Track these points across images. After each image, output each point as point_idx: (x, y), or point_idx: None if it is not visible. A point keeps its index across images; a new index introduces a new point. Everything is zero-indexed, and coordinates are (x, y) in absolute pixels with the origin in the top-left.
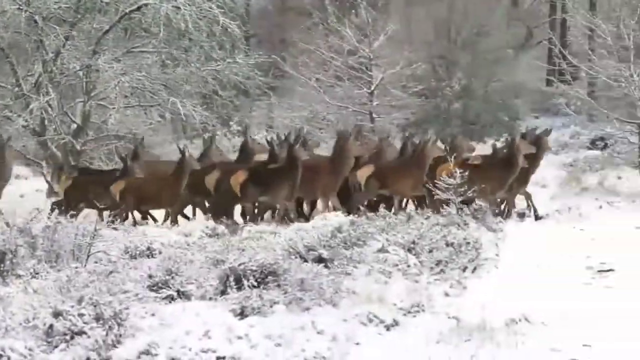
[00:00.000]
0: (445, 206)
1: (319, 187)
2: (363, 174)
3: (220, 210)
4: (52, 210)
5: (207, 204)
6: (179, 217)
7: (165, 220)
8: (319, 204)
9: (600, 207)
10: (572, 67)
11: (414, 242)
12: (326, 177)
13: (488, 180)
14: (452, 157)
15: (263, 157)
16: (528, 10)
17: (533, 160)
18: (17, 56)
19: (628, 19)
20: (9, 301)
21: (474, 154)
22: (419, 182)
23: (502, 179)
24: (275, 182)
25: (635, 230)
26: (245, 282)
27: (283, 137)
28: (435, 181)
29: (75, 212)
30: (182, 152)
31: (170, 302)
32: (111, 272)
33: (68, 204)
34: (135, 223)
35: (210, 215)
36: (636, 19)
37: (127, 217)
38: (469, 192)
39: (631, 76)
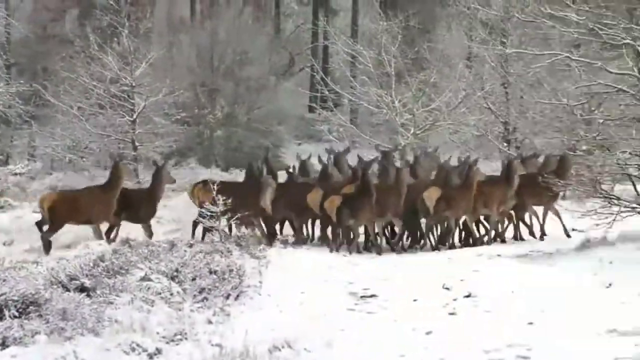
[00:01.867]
0: None
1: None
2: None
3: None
4: None
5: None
6: None
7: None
8: None
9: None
10: (334, 93)
11: (177, 270)
12: None
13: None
14: None
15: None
16: (290, 37)
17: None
18: None
19: (389, 46)
20: None
21: None
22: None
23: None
24: None
25: (396, 257)
26: (6, 312)
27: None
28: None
29: None
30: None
31: None
32: None
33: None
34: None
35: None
36: (397, 45)
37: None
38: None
39: (392, 102)
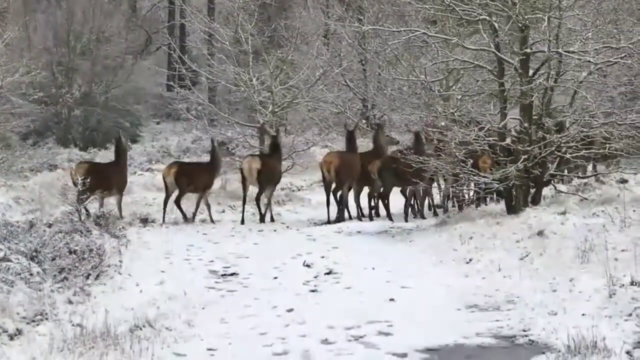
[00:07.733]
0: None
1: None
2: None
3: None
4: None
5: None
6: None
7: None
8: None
9: (224, 210)
10: (192, 72)
11: (36, 250)
12: None
13: None
14: None
15: None
16: (147, 16)
17: None
18: None
19: (245, 24)
20: None
21: None
22: None
23: None
24: None
25: (257, 235)
26: None
27: None
28: None
29: None
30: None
31: None
32: None
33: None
34: None
35: None
36: (253, 23)
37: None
38: None
39: (250, 80)
